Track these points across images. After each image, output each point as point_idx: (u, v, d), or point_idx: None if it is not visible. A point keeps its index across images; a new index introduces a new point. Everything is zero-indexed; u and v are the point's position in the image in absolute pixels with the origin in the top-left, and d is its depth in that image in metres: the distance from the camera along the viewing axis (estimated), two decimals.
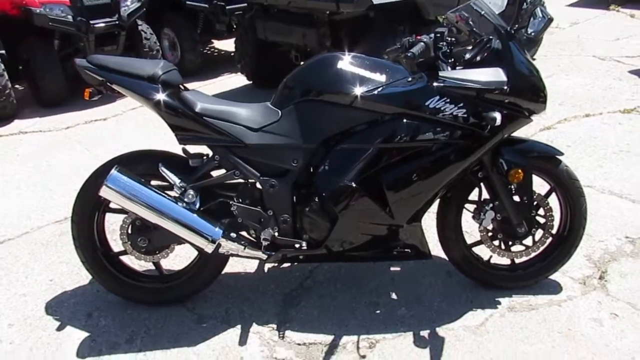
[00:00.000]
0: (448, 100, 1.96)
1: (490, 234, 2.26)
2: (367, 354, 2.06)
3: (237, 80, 5.54)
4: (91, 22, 4.77)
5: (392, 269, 2.52)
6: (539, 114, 2.09)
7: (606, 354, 2.00)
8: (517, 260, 2.33)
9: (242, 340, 2.14)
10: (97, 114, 4.75)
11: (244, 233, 2.20)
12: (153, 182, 2.16)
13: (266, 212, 2.12)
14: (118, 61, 2.09)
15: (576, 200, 2.22)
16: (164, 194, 2.07)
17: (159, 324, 2.25)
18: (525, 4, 4.88)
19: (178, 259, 2.56)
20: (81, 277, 2.53)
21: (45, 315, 2.33)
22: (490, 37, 2.05)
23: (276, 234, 2.13)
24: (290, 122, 2.06)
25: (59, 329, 2.25)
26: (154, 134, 4.19)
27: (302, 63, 2.24)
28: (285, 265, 2.54)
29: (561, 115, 4.16)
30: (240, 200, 2.12)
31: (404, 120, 1.99)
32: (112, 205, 2.18)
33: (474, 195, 2.25)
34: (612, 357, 1.98)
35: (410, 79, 2.01)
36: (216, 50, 6.93)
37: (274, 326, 2.21)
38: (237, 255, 2.18)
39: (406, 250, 2.20)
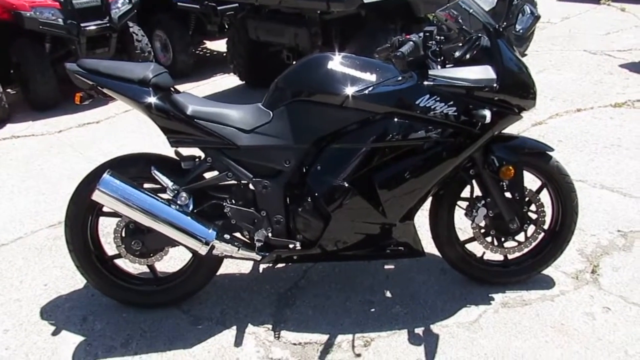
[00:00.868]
0: (438, 98, 1.97)
1: (482, 230, 2.28)
2: (362, 352, 2.07)
3: (229, 80, 5.53)
4: (82, 24, 4.75)
5: (386, 267, 2.53)
6: (529, 110, 2.10)
7: (599, 348, 2.01)
8: (510, 256, 2.35)
9: (238, 341, 2.15)
10: (89, 117, 4.73)
11: (237, 234, 2.21)
12: (146, 185, 2.16)
13: (259, 213, 2.12)
14: (108, 65, 2.09)
15: (567, 196, 2.24)
16: (156, 197, 2.08)
17: (154, 326, 2.25)
18: (515, 0, 4.92)
19: (173, 261, 2.56)
20: (76, 281, 2.53)
21: (41, 320, 2.33)
22: (480, 34, 2.06)
23: (270, 234, 2.14)
24: (282, 123, 2.06)
25: (55, 333, 2.25)
26: (147, 136, 4.18)
27: (294, 63, 2.24)
28: (280, 265, 2.55)
29: (553, 110, 4.18)
30: (234, 201, 2.13)
31: (395, 119, 2.00)
32: (105, 209, 2.18)
33: (466, 193, 2.27)
34: (604, 350, 2.00)
35: (400, 78, 2.02)
36: (208, 51, 6.92)
37: (270, 326, 2.22)
38: (231, 257, 2.18)
39: (399, 248, 2.21)
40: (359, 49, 3.31)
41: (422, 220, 2.37)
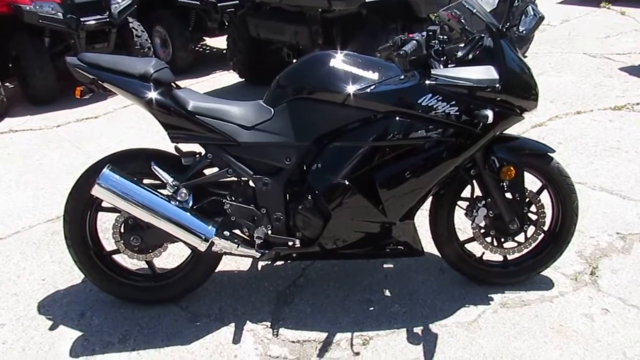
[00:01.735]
0: (440, 98, 1.97)
1: (482, 231, 2.27)
2: (361, 350, 2.06)
3: (229, 77, 5.52)
4: (81, 19, 4.73)
5: (385, 266, 2.53)
6: (530, 112, 2.10)
7: (597, 349, 2.02)
8: (509, 257, 2.35)
9: (236, 338, 2.14)
10: (88, 112, 4.72)
11: (237, 231, 2.20)
12: (145, 181, 2.15)
13: (259, 210, 2.11)
14: (109, 59, 2.08)
15: (567, 197, 2.24)
16: (156, 193, 2.07)
17: (152, 322, 2.24)
18: (517, 1, 4.91)
19: (171, 257, 2.55)
20: (74, 276, 2.52)
21: (38, 315, 2.32)
22: (482, 35, 2.05)
23: (269, 232, 2.13)
24: (283, 120, 2.05)
25: (52, 328, 2.24)
26: (146, 131, 4.17)
27: (294, 61, 2.24)
28: (279, 263, 2.54)
29: (552, 112, 4.18)
30: (233, 198, 2.12)
31: (397, 118, 2.00)
32: (104, 204, 2.17)
33: (466, 193, 2.27)
34: (603, 352, 2.00)
35: (402, 77, 2.01)
36: (208, 48, 6.91)
37: (268, 324, 2.21)
38: (231, 254, 2.17)
39: (399, 247, 2.21)
40: (359, 48, 3.30)
41: (421, 219, 2.36)
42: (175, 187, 2.07)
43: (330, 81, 2.01)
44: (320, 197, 2.06)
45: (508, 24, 2.01)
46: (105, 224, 2.53)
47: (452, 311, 2.23)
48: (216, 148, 2.07)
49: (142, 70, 2.02)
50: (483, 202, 2.19)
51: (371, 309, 2.27)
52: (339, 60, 2.03)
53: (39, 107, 4.89)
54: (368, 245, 2.21)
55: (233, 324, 2.22)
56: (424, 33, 1.99)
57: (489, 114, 1.92)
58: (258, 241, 2.12)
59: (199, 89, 5.15)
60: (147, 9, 5.61)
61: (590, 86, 4.69)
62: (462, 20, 2.11)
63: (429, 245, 2.34)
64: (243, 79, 5.30)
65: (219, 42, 6.45)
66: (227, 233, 2.13)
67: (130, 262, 2.37)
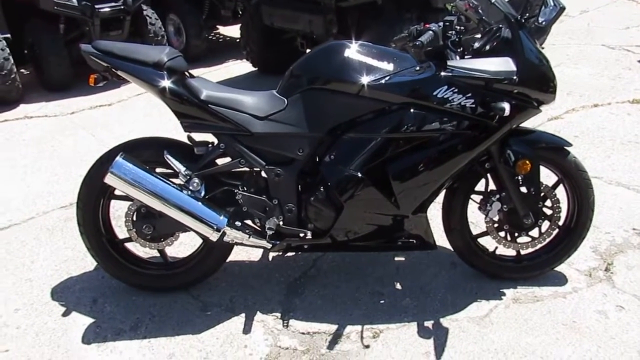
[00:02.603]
0: (456, 90, 1.94)
1: (496, 225, 2.25)
2: (371, 343, 2.06)
3: (242, 66, 5.50)
4: (96, 6, 4.74)
5: (396, 259, 2.51)
6: (548, 105, 2.06)
7: (611, 347, 1.99)
8: (522, 252, 2.32)
9: (247, 329, 2.15)
10: (102, 100, 4.74)
11: (248, 222, 2.20)
12: (158, 170, 2.15)
13: (271, 201, 2.11)
14: (123, 47, 2.08)
15: (584, 192, 2.20)
16: (169, 182, 2.07)
17: (163, 311, 2.26)
18: None
19: (183, 246, 2.56)
20: (87, 263, 2.54)
21: (51, 301, 2.34)
22: (500, 25, 2.01)
23: (281, 223, 2.13)
24: (296, 111, 2.04)
25: (65, 314, 2.27)
26: (159, 120, 4.18)
27: (308, 50, 2.22)
28: (290, 253, 2.54)
29: (569, 105, 4.12)
30: (246, 188, 2.12)
31: (412, 110, 1.97)
32: (117, 192, 2.18)
33: (480, 186, 2.24)
34: (617, 349, 1.98)
35: (418, 68, 1.98)
36: (222, 36, 6.89)
37: (278, 315, 2.22)
38: (242, 244, 2.17)
39: (411, 240, 2.19)
40: (374, 38, 3.26)
41: (434, 212, 2.34)
42: (188, 177, 2.07)
43: (344, 71, 1.99)
44: (332, 188, 2.05)
45: (527, 14, 1.97)
46: (118, 211, 2.55)
47: (463, 305, 2.21)
48: (229, 138, 2.06)
49: (156, 58, 2.02)
50: (497, 196, 2.16)
51: (382, 301, 2.26)
52: (353, 51, 2.01)
53: (54, 93, 4.92)
54: (380, 238, 2.19)
55: (243, 314, 2.22)
56: (441, 23, 1.95)
57: (506, 106, 1.88)
58: (270, 232, 2.11)
59: (212, 77, 5.14)
60: None
61: (609, 78, 4.60)
62: (480, 11, 2.07)
63: (441, 238, 2.33)
64: (256, 68, 5.28)
65: (233, 31, 6.43)
66: (238, 223, 2.12)
67: (142, 250, 2.38)
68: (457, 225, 2.25)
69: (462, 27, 2.04)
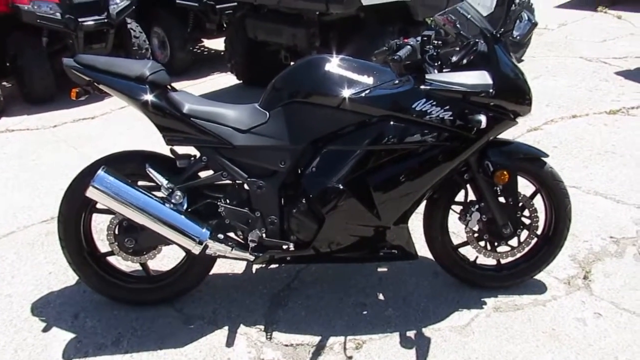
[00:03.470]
0: (434, 102, 1.98)
1: (476, 234, 2.28)
2: (354, 354, 2.07)
3: (227, 79, 5.52)
4: (79, 19, 4.73)
5: (379, 269, 2.53)
6: (524, 116, 2.11)
7: (590, 354, 2.02)
8: (502, 261, 2.36)
9: (230, 341, 2.14)
10: (85, 113, 4.71)
11: (231, 234, 2.20)
12: (141, 183, 2.15)
13: (254, 214, 2.12)
14: (105, 61, 2.09)
15: (561, 202, 2.25)
16: (151, 195, 2.07)
17: (146, 325, 2.24)
18: (513, 5, 4.93)
19: (166, 259, 2.55)
20: (68, 277, 2.52)
21: (31, 317, 2.32)
22: (477, 40, 2.06)
23: (263, 235, 2.14)
24: (278, 124, 2.06)
25: (45, 330, 2.24)
26: (143, 133, 4.16)
27: (291, 63, 2.24)
28: (273, 265, 2.54)
29: (548, 116, 4.20)
30: (228, 201, 2.13)
31: (391, 123, 2.01)
32: (99, 206, 2.17)
33: (460, 197, 2.27)
34: (595, 356, 2.01)
35: (397, 81, 2.02)
36: (206, 49, 6.90)
37: (262, 327, 2.22)
38: (225, 257, 2.18)
39: (393, 251, 2.22)
40: (357, 51, 3.32)
41: (416, 223, 2.37)
42: (170, 190, 2.07)
43: (325, 85, 2.02)
44: (314, 200, 2.07)
45: (502, 29, 2.02)
46: (100, 225, 2.53)
47: (445, 315, 2.24)
48: (211, 151, 2.07)
49: (139, 72, 2.03)
50: (477, 206, 2.20)
51: (365, 312, 2.28)
52: (334, 64, 2.04)
53: (36, 106, 4.88)
54: (362, 249, 2.22)
55: (227, 327, 2.22)
56: (419, 38, 1.99)
57: (482, 118, 1.93)
58: (252, 244, 2.12)
59: (197, 90, 5.19)
60: (145, 10, 5.60)
61: (586, 90, 4.71)
62: (458, 25, 2.12)
63: (423, 248, 2.35)
64: (241, 81, 5.30)
65: (218, 44, 6.44)
66: (221, 236, 2.13)
67: (124, 264, 2.37)
68: (438, 236, 2.28)
69: (440, 42, 2.09)
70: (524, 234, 2.28)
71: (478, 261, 2.38)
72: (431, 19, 2.31)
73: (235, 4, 4.79)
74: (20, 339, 2.20)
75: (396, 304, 2.31)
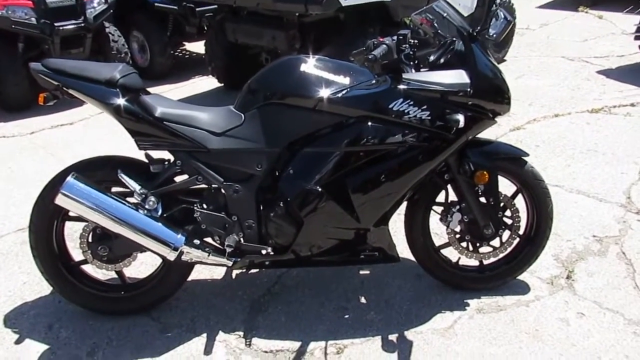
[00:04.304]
0: (412, 102, 1.95)
1: (457, 235, 2.26)
2: (335, 359, 2.03)
3: (208, 82, 5.46)
4: (56, 24, 4.64)
5: (361, 272, 2.49)
6: (503, 115, 2.09)
7: (573, 354, 2.00)
8: (485, 262, 2.33)
9: (208, 349, 2.09)
10: (63, 119, 4.63)
11: (208, 239, 2.15)
12: (114, 189, 2.10)
13: (230, 218, 2.07)
14: (75, 65, 2.03)
15: (542, 201, 2.23)
16: (123, 201, 2.01)
17: (122, 334, 2.18)
18: (494, 5, 4.94)
19: (144, 266, 2.49)
20: (42, 287, 2.45)
21: (4, 329, 2.24)
22: (454, 39, 2.04)
23: (241, 239, 2.09)
24: (253, 126, 2.02)
25: (18, 342, 2.17)
26: (122, 138, 4.08)
27: None
28: (254, 270, 2.50)
29: (531, 115, 4.20)
30: (204, 206, 2.08)
31: (369, 123, 1.97)
32: (71, 214, 2.11)
33: (441, 198, 2.25)
34: (578, 357, 1.99)
35: (374, 81, 1.99)
36: (188, 53, 6.84)
37: (241, 334, 2.17)
38: (202, 263, 2.13)
39: (374, 253, 2.18)
40: (337, 52, 3.28)
41: (398, 225, 2.34)
42: (143, 195, 2.02)
43: (301, 86, 1.98)
44: (292, 203, 2.03)
45: (479, 27, 2.00)
46: (76, 232, 2.46)
47: (428, 317, 2.21)
48: (185, 155, 2.02)
49: (108, 75, 1.97)
50: (458, 207, 2.18)
51: (346, 316, 2.24)
52: (310, 65, 2.00)
53: (13, 113, 4.78)
54: (343, 252, 2.18)
55: (205, 335, 2.17)
56: (395, 37, 1.96)
57: (460, 118, 1.90)
58: (229, 249, 2.07)
59: (178, 94, 5.13)
60: (124, 13, 5.52)
61: (568, 89, 4.73)
62: (435, 24, 2.10)
63: (405, 250, 2.32)
64: (222, 84, 5.25)
65: (199, 47, 6.38)
66: (197, 242, 2.08)
67: (100, 272, 2.30)
68: (420, 237, 2.25)
69: (416, 41, 2.06)
70: (506, 234, 2.26)
71: (460, 262, 2.35)
72: (409, 19, 2.29)
73: (215, 6, 4.73)
74: None
75: (378, 307, 2.27)
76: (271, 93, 2.02)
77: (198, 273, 2.42)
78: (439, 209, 2.26)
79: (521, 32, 6.41)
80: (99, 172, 2.07)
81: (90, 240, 2.12)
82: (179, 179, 2.10)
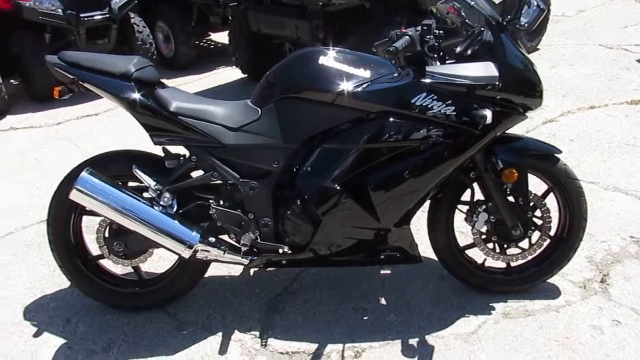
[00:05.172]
0: (436, 97, 1.85)
1: (483, 236, 2.15)
2: None
3: (232, 73, 5.42)
4: (81, 15, 4.67)
5: (382, 272, 2.41)
6: (534, 110, 1.97)
7: None
8: (512, 264, 2.22)
9: (223, 349, 2.05)
10: (88, 109, 4.66)
11: (224, 237, 2.11)
12: (130, 184, 2.07)
13: (246, 216, 2.02)
14: (90, 58, 2.00)
15: (575, 201, 2.11)
16: (137, 197, 1.98)
17: (137, 330, 2.17)
18: None
19: (162, 261, 2.47)
20: (62, 280, 2.44)
21: (23, 321, 2.26)
22: (482, 29, 1.92)
23: (257, 238, 2.03)
24: (270, 121, 1.95)
25: (36, 335, 2.18)
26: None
27: None
28: (272, 268, 2.44)
29: (564, 107, 4.01)
30: (219, 202, 2.03)
31: (390, 119, 1.88)
32: (88, 208, 2.09)
33: (466, 196, 2.14)
34: None
35: (396, 74, 1.89)
36: (212, 43, 6.81)
37: (257, 333, 2.12)
38: (217, 261, 2.08)
39: (395, 254, 2.10)
40: (362, 43, 3.18)
41: (421, 222, 2.24)
42: (158, 191, 1.98)
43: (319, 79, 1.90)
44: (309, 201, 1.96)
45: (509, 16, 1.88)
46: (96, 226, 2.45)
47: (450, 321, 2.11)
48: (200, 150, 1.97)
49: (123, 69, 1.94)
50: (484, 206, 2.07)
51: (365, 318, 2.17)
52: (329, 57, 1.92)
53: (41, 104, 4.83)
54: (362, 252, 2.10)
55: (220, 333, 2.13)
56: (419, 28, 1.86)
57: (488, 114, 1.79)
58: (245, 248, 2.02)
59: (202, 84, 5.10)
60: (149, 4, 5.52)
61: (606, 79, 4.50)
62: (462, 13, 1.99)
63: (428, 250, 2.23)
64: (246, 75, 5.19)
65: (224, 37, 6.35)
66: (212, 239, 2.03)
67: (117, 266, 2.29)
68: (443, 237, 2.15)
69: (442, 31, 1.94)
70: (536, 235, 2.15)
71: (486, 264, 2.24)
72: (435, 7, 2.18)
73: None
74: (11, 344, 2.14)
75: (398, 310, 2.19)
76: (288, 87, 1.94)
77: (215, 269, 2.39)
78: (464, 208, 2.16)
79: (556, 19, 6.15)
80: (114, 167, 2.05)
81: (106, 235, 2.10)
82: (194, 174, 2.06)
